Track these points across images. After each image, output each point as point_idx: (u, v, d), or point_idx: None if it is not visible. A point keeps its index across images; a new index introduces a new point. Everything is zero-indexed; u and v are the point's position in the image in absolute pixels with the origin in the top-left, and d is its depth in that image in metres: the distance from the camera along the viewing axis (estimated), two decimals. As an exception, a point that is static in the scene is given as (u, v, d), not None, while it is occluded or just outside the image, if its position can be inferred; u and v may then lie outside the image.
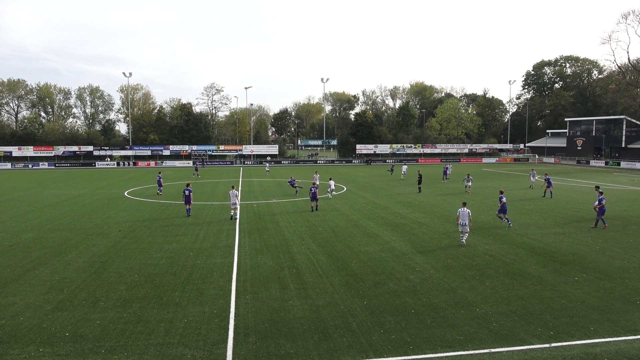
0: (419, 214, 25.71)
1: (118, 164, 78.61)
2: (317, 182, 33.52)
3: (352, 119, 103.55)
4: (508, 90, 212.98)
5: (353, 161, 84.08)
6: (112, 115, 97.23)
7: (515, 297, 12.45)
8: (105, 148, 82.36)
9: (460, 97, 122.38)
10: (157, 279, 14.13)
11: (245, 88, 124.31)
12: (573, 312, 11.33)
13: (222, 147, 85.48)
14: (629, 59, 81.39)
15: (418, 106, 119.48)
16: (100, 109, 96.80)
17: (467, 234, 18.29)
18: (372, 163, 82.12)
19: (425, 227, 21.98)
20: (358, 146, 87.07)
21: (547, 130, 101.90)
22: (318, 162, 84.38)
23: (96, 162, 78.08)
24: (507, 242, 18.71)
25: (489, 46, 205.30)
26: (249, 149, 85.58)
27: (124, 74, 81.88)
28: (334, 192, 32.11)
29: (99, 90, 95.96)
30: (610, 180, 47.27)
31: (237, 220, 23.85)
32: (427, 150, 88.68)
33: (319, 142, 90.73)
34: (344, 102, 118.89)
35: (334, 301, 12.21)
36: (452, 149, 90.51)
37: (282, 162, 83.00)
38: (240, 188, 39.84)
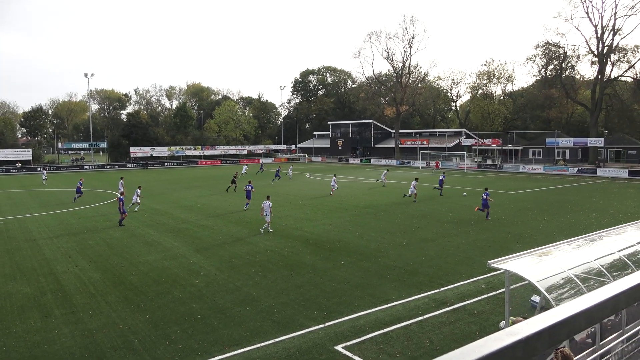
0: (201, 217, 25.48)
1: None
2: (122, 189, 29.57)
3: (125, 120, 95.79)
4: (280, 95, 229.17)
5: (127, 165, 77.75)
6: None
7: (294, 286, 13.52)
8: None
9: (237, 99, 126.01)
10: None
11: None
12: (341, 292, 12.94)
13: (-53, 153, 67.97)
14: (373, 72, 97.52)
15: (196, 107, 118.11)
16: None
17: (267, 224, 21.04)
18: (150, 167, 77.51)
19: (209, 230, 21.92)
20: (132, 149, 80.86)
21: (314, 132, 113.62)
22: (85, 167, 75.13)
23: None
24: (285, 237, 20.17)
25: (261, 52, 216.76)
26: (-11, 154, 70.27)
27: None
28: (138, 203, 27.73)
29: None
30: (363, 174, 55.62)
31: (-24, 243, 19.37)
32: (207, 152, 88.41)
33: (86, 145, 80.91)
34: (113, 100, 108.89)
35: (112, 321, 11.09)
36: (232, 150, 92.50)
37: (38, 168, 70.91)
38: (-22, 202, 32.40)
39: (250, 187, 27.89)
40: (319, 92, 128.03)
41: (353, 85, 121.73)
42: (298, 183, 44.84)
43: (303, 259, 16.50)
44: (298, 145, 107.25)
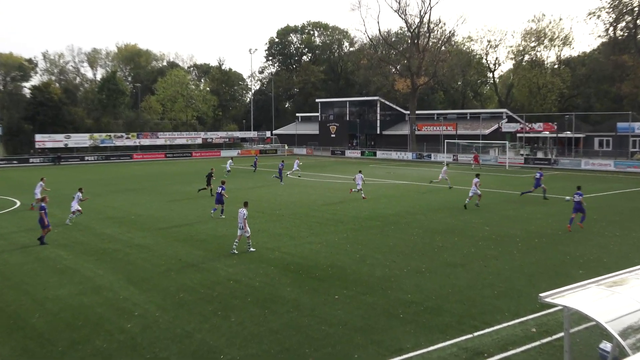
0: (137, 233, 25.26)
1: None
2: (40, 195, 29.61)
3: (28, 96, 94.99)
4: (249, 61, 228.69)
5: (31, 160, 77.04)
6: None
7: (268, 331, 13.38)
8: None
9: (188, 67, 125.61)
10: None
11: None
12: (335, 339, 12.83)
13: None
14: (379, 30, 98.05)
15: (130, 79, 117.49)
16: None
17: (247, 239, 21.34)
18: (64, 162, 76.90)
19: (147, 251, 21.73)
20: (39, 136, 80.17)
21: (297, 114, 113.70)
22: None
23: None
24: (256, 261, 20.02)
25: (222, 2, 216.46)
26: None
27: None
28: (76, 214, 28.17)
29: None
30: (366, 173, 55.58)
31: None
32: (146, 142, 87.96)
33: (-29, 132, 79.93)
34: (12, 68, 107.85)
35: (5, 383, 10.87)
36: (181, 138, 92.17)
37: None
38: None
39: (221, 189, 28.80)
40: (304, 57, 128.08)
41: (351, 49, 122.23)
42: (274, 185, 44.70)
43: (281, 292, 16.36)
44: (274, 132, 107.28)
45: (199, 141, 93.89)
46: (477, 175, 33.40)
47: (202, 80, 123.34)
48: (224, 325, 13.82)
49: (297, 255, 20.92)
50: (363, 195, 35.96)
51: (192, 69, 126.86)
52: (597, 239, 23.61)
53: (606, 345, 10.44)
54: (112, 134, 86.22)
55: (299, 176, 49.65)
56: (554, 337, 12.67)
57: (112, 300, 15.81)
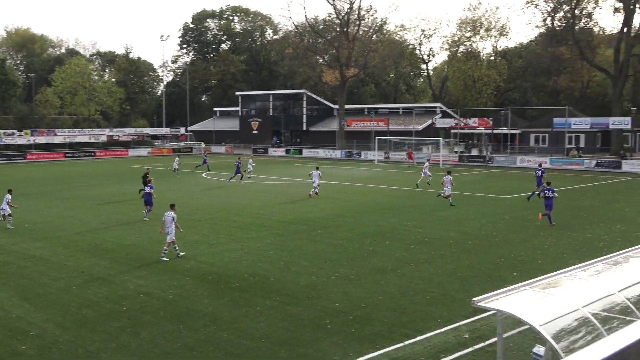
0: (32, 243, 24.52)
1: None
2: None
3: None
4: (161, 49, 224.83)
5: None
6: None
7: (183, 347, 13.35)
8: None
9: (91, 55, 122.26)
10: None
11: None
12: (257, 354, 12.95)
13: None
14: (306, 17, 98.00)
15: (22, 68, 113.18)
16: None
17: (173, 246, 21.41)
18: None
19: (44, 263, 21.16)
20: None
21: (215, 108, 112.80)
22: None
23: None
24: (169, 271, 19.83)
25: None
26: None
27: None
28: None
29: None
30: (290, 173, 55.88)
31: None
32: (42, 139, 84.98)
33: None
34: None
35: None
36: (83, 136, 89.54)
37: None
38: None
39: (149, 189, 29.74)
40: (223, 45, 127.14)
41: (275, 37, 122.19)
42: (188, 186, 44.23)
43: (197, 306, 16.31)
44: (190, 128, 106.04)
45: (104, 139, 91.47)
46: (449, 172, 34.90)
47: (107, 71, 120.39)
48: (133, 343, 13.66)
49: (215, 264, 20.86)
50: (310, 192, 37.14)
51: (95, 57, 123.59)
52: (532, 240, 24.69)
53: (540, 349, 11.01)
54: (2, 131, 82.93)
55: (249, 177, 49.24)
56: (487, 342, 13.23)
57: (3, 320, 15.34)
